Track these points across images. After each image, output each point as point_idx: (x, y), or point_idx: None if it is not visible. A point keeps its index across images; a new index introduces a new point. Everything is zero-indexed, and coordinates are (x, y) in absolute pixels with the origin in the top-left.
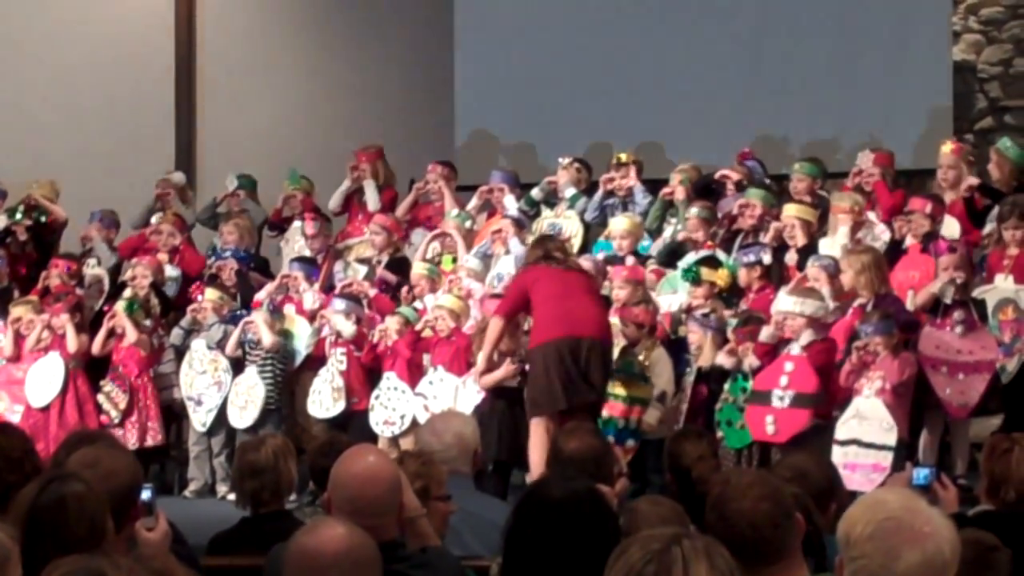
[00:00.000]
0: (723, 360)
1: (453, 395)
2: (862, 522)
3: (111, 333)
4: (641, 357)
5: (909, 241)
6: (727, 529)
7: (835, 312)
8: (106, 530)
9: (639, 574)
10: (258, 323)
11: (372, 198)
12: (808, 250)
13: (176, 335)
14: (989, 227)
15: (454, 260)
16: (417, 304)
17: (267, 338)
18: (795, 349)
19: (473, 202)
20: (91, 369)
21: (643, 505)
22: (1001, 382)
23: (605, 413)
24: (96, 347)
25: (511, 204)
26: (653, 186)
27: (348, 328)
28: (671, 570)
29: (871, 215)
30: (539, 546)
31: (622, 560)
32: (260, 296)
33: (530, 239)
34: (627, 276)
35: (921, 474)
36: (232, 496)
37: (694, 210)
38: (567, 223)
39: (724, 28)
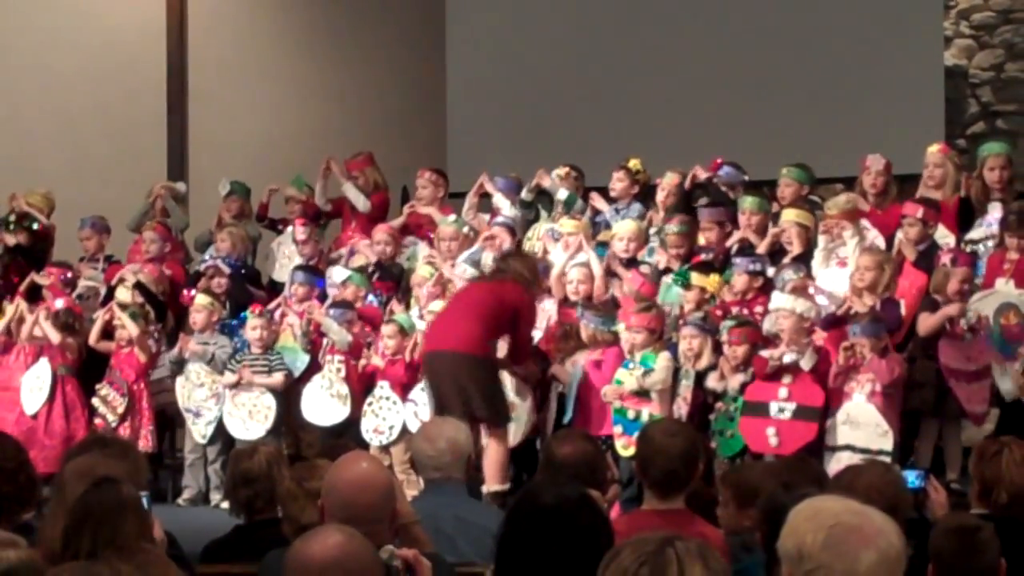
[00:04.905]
0: (714, 384)
1: None
2: (811, 533)
3: (106, 330)
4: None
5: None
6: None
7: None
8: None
9: (633, 575)
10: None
11: (357, 200)
12: (805, 257)
13: (170, 362)
14: (981, 231)
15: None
16: (415, 312)
17: (342, 336)
18: (790, 360)
19: (468, 202)
20: (87, 376)
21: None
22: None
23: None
24: (93, 337)
25: (505, 205)
26: (644, 192)
27: (343, 336)
28: (666, 571)
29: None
30: (532, 552)
31: (615, 563)
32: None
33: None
34: (631, 282)
35: (910, 477)
36: (225, 504)
37: (672, 228)
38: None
39: (716, 35)
